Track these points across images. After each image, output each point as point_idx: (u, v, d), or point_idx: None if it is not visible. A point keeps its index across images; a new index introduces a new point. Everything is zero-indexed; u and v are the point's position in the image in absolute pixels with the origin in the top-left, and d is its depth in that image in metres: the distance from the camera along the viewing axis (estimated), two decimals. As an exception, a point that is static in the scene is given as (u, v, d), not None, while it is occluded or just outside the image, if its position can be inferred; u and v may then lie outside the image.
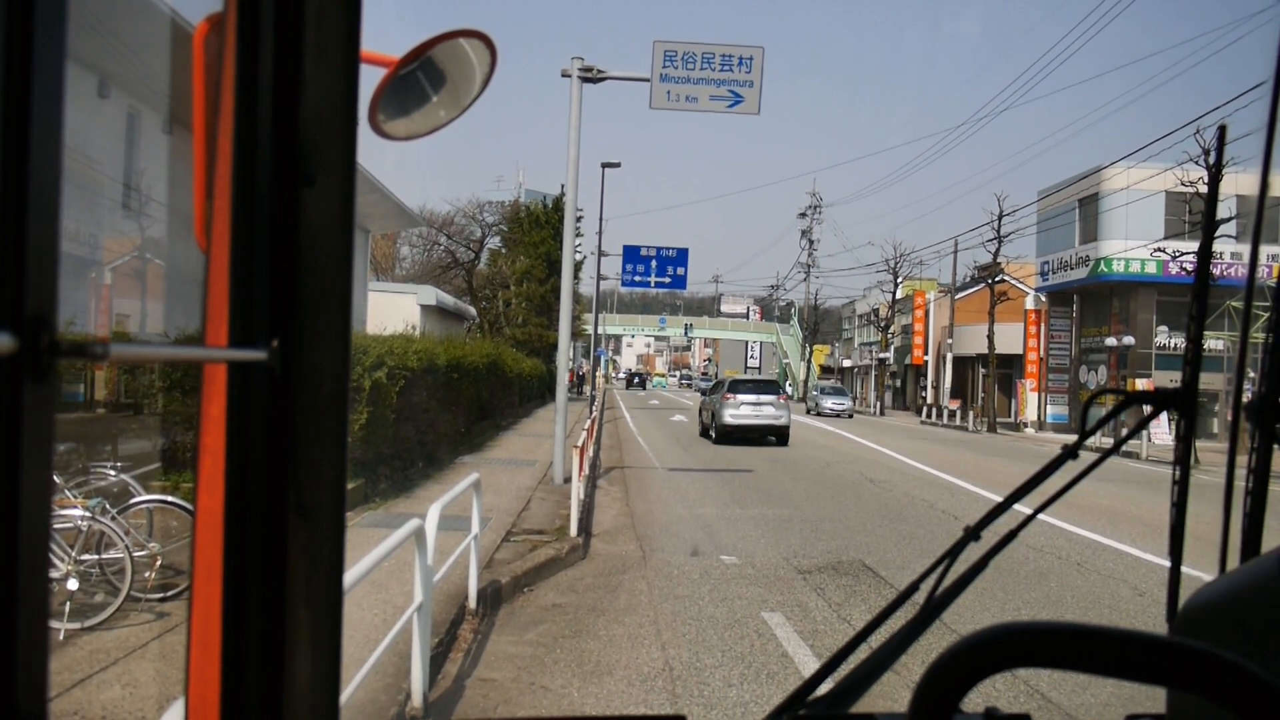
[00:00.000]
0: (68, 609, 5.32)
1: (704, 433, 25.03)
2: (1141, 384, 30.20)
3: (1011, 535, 1.11)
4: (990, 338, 36.99)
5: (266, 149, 0.79)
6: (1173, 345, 32.41)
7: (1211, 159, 23.28)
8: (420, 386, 12.85)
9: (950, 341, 45.16)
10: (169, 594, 5.98)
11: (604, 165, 33.47)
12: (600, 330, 49.93)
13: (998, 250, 37.59)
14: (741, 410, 22.56)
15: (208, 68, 0.82)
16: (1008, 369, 40.69)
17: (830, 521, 11.25)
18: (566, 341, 14.52)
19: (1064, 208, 35.23)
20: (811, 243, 66.99)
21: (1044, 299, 38.39)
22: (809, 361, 65.57)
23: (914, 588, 1.11)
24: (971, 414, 38.33)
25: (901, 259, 51.31)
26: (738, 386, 23.40)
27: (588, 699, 5.06)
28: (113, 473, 6.86)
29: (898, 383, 56.57)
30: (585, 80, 13.56)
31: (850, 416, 41.67)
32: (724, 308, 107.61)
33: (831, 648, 5.81)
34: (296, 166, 0.81)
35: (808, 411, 44.19)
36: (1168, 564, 1.17)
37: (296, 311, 0.81)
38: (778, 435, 23.09)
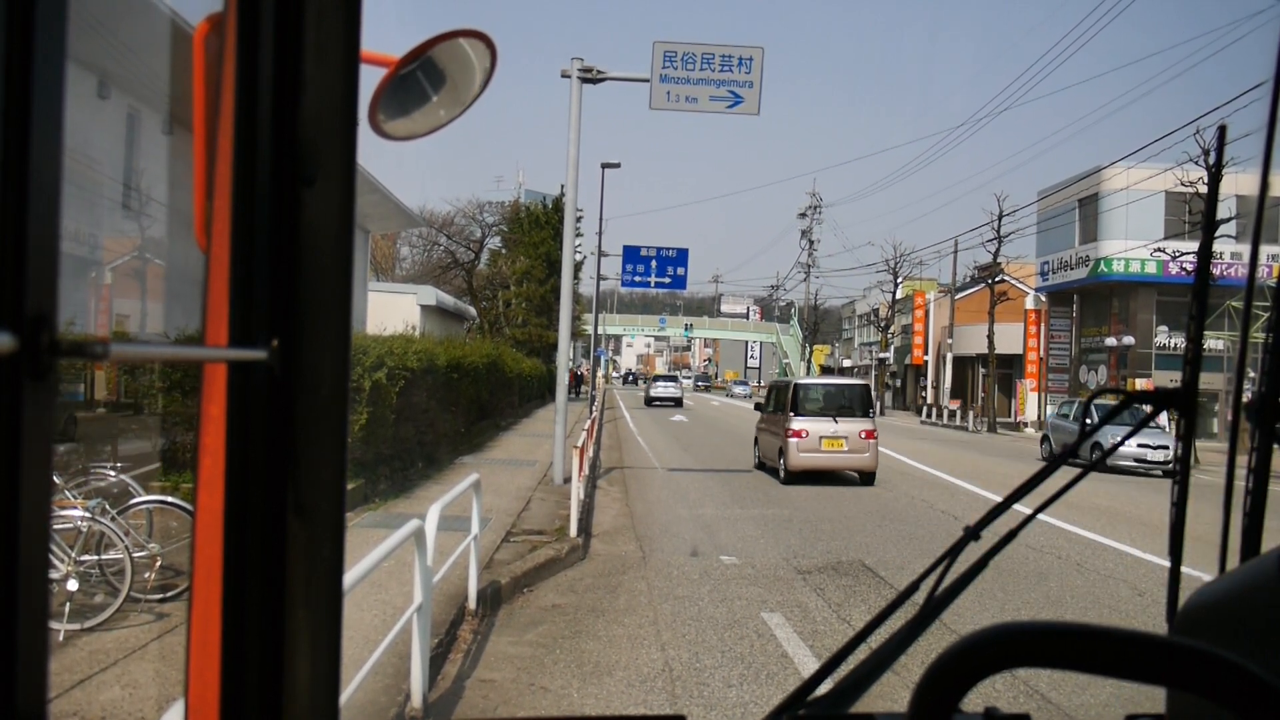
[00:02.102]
0: (67, 610, 5.32)
1: (644, 402, 46.68)
2: (1141, 384, 30.20)
3: (1011, 535, 1.10)
4: (990, 338, 36.98)
5: (266, 149, 0.79)
6: (1173, 345, 32.43)
7: (1211, 159, 23.27)
8: (420, 387, 12.84)
9: (950, 341, 45.15)
10: (169, 595, 5.98)
11: (604, 165, 33.38)
12: (600, 330, 49.92)
13: (997, 250, 37.58)
14: (657, 389, 46.71)
15: (208, 68, 0.82)
16: (1008, 369, 40.70)
17: (830, 522, 11.25)
18: (566, 341, 14.52)
19: (1064, 208, 35.24)
20: (811, 243, 66.95)
21: (1044, 299, 38.40)
22: (809, 361, 65.57)
23: (914, 588, 1.11)
24: (971, 414, 38.32)
25: (901, 259, 51.28)
26: (657, 379, 50.69)
27: (587, 699, 5.06)
28: (112, 473, 6.86)
29: (898, 383, 56.59)
30: (585, 81, 13.56)
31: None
32: (724, 308, 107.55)
33: (831, 648, 5.81)
34: (296, 167, 0.80)
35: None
36: (1167, 564, 1.17)
37: (296, 311, 0.81)
38: (677, 402, 45.51)
